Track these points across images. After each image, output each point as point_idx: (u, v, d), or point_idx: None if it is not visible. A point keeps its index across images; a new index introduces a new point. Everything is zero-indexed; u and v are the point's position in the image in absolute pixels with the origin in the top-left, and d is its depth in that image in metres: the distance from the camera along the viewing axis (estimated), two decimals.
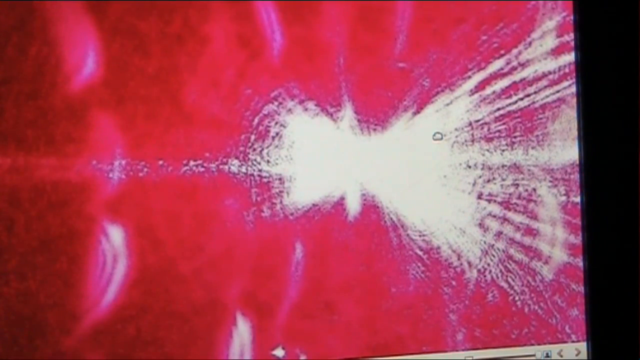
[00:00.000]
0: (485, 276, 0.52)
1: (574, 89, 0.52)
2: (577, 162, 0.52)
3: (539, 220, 0.52)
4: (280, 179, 0.50)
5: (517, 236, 0.52)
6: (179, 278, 0.49)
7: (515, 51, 0.51)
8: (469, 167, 0.52)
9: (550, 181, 0.52)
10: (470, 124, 0.51)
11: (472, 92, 0.51)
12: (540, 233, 0.52)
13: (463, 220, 0.52)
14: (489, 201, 0.52)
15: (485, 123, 0.51)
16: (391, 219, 0.51)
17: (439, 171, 0.51)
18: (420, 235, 0.51)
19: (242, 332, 0.50)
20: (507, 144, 0.52)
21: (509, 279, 0.52)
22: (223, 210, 0.49)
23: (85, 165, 0.48)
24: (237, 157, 0.49)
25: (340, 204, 0.50)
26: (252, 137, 0.49)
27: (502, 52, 0.51)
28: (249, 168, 0.49)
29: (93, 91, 0.48)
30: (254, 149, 0.49)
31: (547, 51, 0.52)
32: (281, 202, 0.50)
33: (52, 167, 0.47)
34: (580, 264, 0.53)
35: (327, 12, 0.50)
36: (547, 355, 0.53)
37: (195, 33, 0.49)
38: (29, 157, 0.47)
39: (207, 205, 0.49)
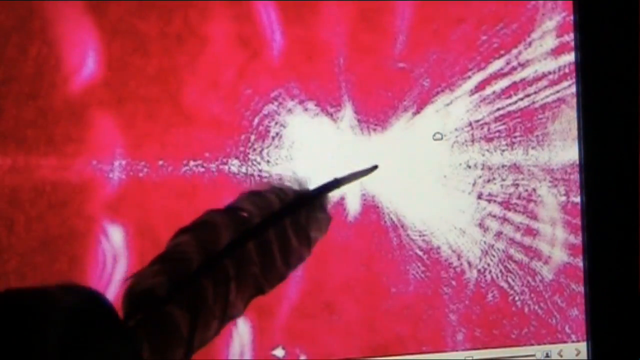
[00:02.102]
0: (485, 276, 0.52)
1: (574, 89, 0.52)
2: (577, 162, 0.52)
3: (539, 220, 0.52)
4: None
5: (517, 236, 0.52)
6: None
7: (515, 51, 0.51)
8: (469, 167, 0.51)
9: (550, 181, 0.52)
10: (470, 124, 0.51)
11: (472, 92, 0.51)
12: (540, 233, 0.52)
13: (463, 220, 0.52)
14: (489, 201, 0.52)
15: (485, 123, 0.51)
16: (391, 219, 0.51)
17: (439, 171, 0.51)
18: (420, 235, 0.51)
19: (242, 332, 0.50)
20: (507, 144, 0.52)
21: (509, 279, 0.52)
22: None
23: (85, 165, 0.48)
24: (237, 157, 0.49)
25: (340, 204, 0.50)
26: (252, 137, 0.49)
27: (502, 52, 0.51)
28: (249, 168, 0.49)
29: (93, 91, 0.48)
30: (254, 149, 0.49)
31: (547, 51, 0.52)
32: None
33: (52, 167, 0.47)
34: (580, 264, 0.53)
35: (327, 12, 0.50)
36: (547, 355, 0.53)
37: (195, 33, 0.49)
38: (29, 157, 0.47)
39: (207, 205, 0.49)
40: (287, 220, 0.30)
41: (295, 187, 0.31)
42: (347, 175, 0.33)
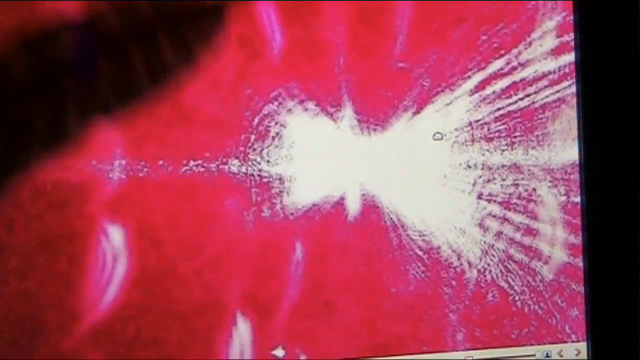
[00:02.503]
0: (485, 276, 0.52)
1: (574, 89, 0.52)
2: (577, 162, 0.52)
3: (539, 220, 0.52)
4: (280, 179, 0.50)
5: (517, 236, 0.52)
6: (179, 278, 0.49)
7: (515, 51, 0.51)
8: (469, 167, 0.52)
9: (550, 181, 0.52)
10: (470, 124, 0.51)
11: (472, 92, 0.51)
12: (540, 233, 0.52)
13: (463, 220, 0.52)
14: (489, 201, 0.52)
15: (485, 123, 0.51)
16: (391, 219, 0.51)
17: (439, 171, 0.51)
18: (420, 235, 0.51)
19: (242, 332, 0.50)
20: (507, 144, 0.52)
21: (509, 279, 0.52)
22: (223, 210, 0.49)
23: (85, 165, 0.48)
24: (237, 157, 0.49)
25: (340, 204, 0.50)
26: (252, 137, 0.49)
27: (502, 52, 0.51)
28: (249, 168, 0.49)
29: None
30: (254, 149, 0.49)
31: (547, 51, 0.52)
32: (281, 202, 0.50)
33: (52, 167, 0.47)
34: (580, 264, 0.53)
35: (327, 12, 0.50)
36: (547, 355, 0.53)
37: None
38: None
39: (207, 205, 0.49)
40: None
41: None
42: None
